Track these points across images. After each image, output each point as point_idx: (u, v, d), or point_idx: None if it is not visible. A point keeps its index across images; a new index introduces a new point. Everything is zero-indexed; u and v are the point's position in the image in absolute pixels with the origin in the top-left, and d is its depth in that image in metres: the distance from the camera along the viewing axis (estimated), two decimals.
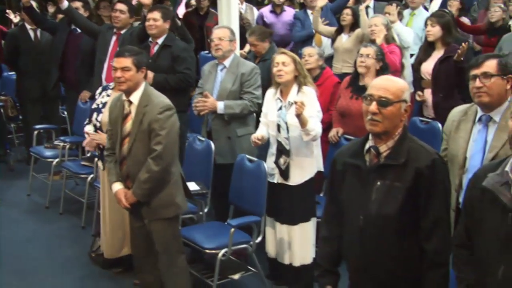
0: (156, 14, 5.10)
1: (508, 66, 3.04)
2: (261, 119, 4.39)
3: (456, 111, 3.26)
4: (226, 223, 4.24)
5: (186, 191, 3.93)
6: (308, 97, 4.08)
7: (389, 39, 5.52)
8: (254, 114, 4.85)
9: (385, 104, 2.47)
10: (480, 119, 3.11)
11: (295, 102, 3.88)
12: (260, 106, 4.63)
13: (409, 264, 2.51)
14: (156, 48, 5.17)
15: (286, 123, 4.11)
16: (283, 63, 4.12)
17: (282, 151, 4.13)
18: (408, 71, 5.80)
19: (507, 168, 2.22)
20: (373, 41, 5.33)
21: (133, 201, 3.73)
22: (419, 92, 5.22)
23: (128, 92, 3.71)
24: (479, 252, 2.30)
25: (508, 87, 3.02)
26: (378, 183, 2.50)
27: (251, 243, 4.15)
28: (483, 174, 2.31)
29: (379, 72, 4.54)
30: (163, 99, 3.73)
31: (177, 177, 3.80)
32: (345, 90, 4.81)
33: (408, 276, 2.53)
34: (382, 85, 2.52)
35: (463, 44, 4.71)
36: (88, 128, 4.51)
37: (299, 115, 3.88)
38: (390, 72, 4.57)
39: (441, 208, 2.49)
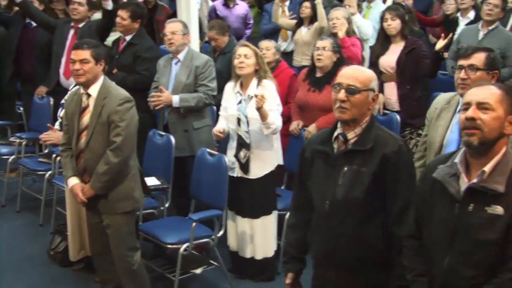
0: (124, 14, 5.04)
1: (495, 61, 3.05)
2: (220, 112, 4.40)
3: (441, 98, 3.29)
4: (187, 217, 4.23)
5: (144, 187, 3.91)
6: (268, 91, 4.11)
7: (349, 32, 5.56)
8: (213, 106, 4.86)
9: (353, 92, 2.53)
10: (460, 110, 3.15)
11: (256, 96, 3.90)
12: (215, 98, 4.66)
13: (374, 249, 2.57)
14: (124, 44, 5.13)
15: (246, 116, 4.13)
16: (245, 55, 4.13)
17: (242, 144, 4.16)
18: (368, 64, 5.87)
19: (456, 160, 2.27)
20: (334, 35, 5.37)
21: (91, 195, 3.68)
22: None
23: (87, 85, 3.67)
24: (427, 243, 2.35)
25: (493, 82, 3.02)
26: (345, 168, 2.56)
27: (213, 237, 4.15)
28: (434, 165, 2.37)
29: (336, 64, 4.58)
30: (121, 91, 3.71)
31: (135, 170, 3.78)
32: (303, 83, 4.83)
33: (374, 261, 2.59)
34: (350, 74, 2.59)
35: (443, 35, 4.76)
36: (56, 124, 4.46)
37: (259, 109, 3.90)
38: (345, 64, 4.61)
39: (408, 192, 2.55)
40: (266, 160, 4.23)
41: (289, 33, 6.77)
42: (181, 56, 4.76)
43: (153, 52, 5.14)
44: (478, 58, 3.01)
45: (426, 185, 2.38)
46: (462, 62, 3.04)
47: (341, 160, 2.58)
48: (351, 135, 2.60)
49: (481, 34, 5.28)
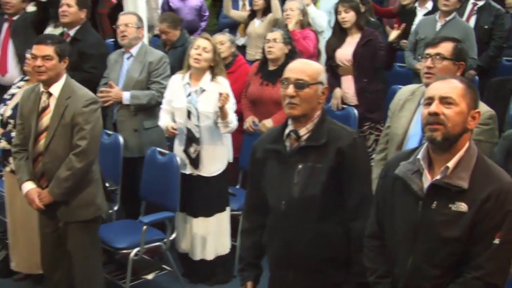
0: (71, 0, 4.91)
1: (463, 52, 3.09)
2: (163, 106, 4.33)
3: (405, 90, 3.31)
4: (137, 220, 4.18)
5: (106, 193, 3.85)
6: (224, 88, 4.10)
7: (304, 24, 5.58)
8: None
9: (302, 86, 2.54)
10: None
11: (220, 94, 3.89)
12: None
13: (335, 246, 2.60)
14: (67, 40, 4.99)
15: (197, 110, 4.10)
16: (204, 48, 4.11)
17: (192, 139, 4.14)
18: (323, 57, 5.89)
19: (419, 156, 2.29)
20: (286, 26, 5.39)
21: (49, 201, 3.57)
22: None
23: (48, 83, 3.57)
24: (389, 242, 2.37)
25: (458, 74, 3.05)
26: (300, 166, 2.57)
27: (165, 240, 4.12)
28: (396, 162, 2.38)
29: (288, 56, 4.58)
30: (87, 92, 3.63)
31: (98, 175, 3.70)
32: (255, 77, 4.82)
33: (335, 260, 2.61)
34: (298, 68, 2.60)
35: (403, 25, 4.80)
36: None
37: (222, 107, 3.89)
38: (299, 56, 4.63)
39: (365, 187, 2.59)
40: (217, 157, 4.23)
41: None
42: (134, 50, 4.68)
43: (99, 48, 5.02)
44: (446, 48, 3.04)
45: (387, 182, 2.39)
46: (429, 50, 3.07)
47: (295, 158, 2.59)
48: (303, 131, 2.61)
49: (438, 25, 5.37)
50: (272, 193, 2.66)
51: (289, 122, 2.66)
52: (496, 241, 2.13)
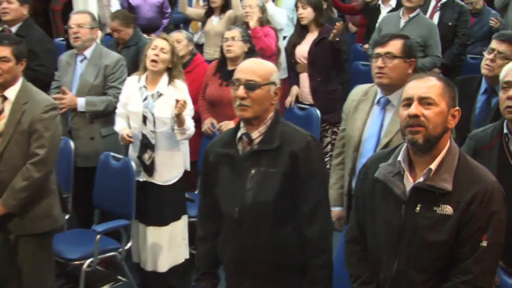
0: None
1: (412, 48, 3.13)
2: (118, 110, 4.26)
3: (358, 90, 3.33)
4: (90, 229, 4.12)
5: (63, 204, 3.76)
6: (182, 93, 4.06)
7: (263, 21, 5.59)
8: None
9: (253, 87, 2.52)
10: (378, 101, 3.19)
11: (177, 101, 3.84)
12: None
13: (290, 252, 2.59)
14: None
15: (153, 115, 4.05)
16: (161, 49, 4.05)
17: (147, 145, 4.08)
18: (283, 56, 5.91)
19: (399, 158, 2.29)
20: (247, 24, 5.38)
21: (2, 213, 3.44)
22: None
23: (4, 86, 3.47)
24: (372, 247, 2.37)
25: (410, 71, 3.09)
26: (253, 171, 2.56)
27: (120, 250, 4.07)
28: (374, 164, 2.39)
29: (248, 55, 4.58)
30: (46, 97, 3.55)
31: (55, 186, 3.62)
32: (213, 77, 4.81)
33: (291, 267, 2.60)
34: (248, 68, 2.58)
35: (337, 23, 4.87)
36: None
37: (179, 115, 3.86)
38: (266, 56, 4.64)
39: (320, 191, 2.58)
40: (173, 164, 4.17)
41: (200, 24, 6.69)
42: (87, 53, 4.57)
43: (44, 44, 4.90)
44: (395, 46, 3.08)
45: (366, 185, 2.40)
46: (378, 50, 3.10)
47: (248, 163, 2.57)
48: (256, 134, 2.59)
49: (402, 22, 5.44)
50: (225, 199, 2.64)
51: (241, 124, 2.64)
52: (483, 243, 2.16)
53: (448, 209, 2.18)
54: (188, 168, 4.43)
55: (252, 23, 5.43)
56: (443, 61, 5.74)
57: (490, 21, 6.54)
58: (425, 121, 2.19)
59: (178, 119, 3.91)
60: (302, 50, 5.21)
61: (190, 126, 4.03)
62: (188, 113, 4.04)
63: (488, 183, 2.21)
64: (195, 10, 6.49)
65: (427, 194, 2.21)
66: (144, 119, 4.06)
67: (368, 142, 3.16)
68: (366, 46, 5.90)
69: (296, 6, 5.23)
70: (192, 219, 4.33)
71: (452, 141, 2.30)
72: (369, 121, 3.18)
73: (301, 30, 5.27)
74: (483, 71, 3.64)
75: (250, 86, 2.52)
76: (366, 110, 3.19)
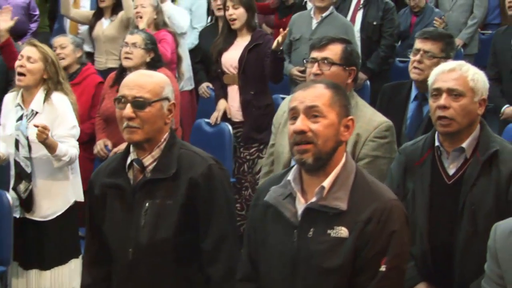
0: None
1: (353, 55, 3.14)
2: None
3: (289, 100, 3.30)
4: None
5: None
6: (58, 110, 3.98)
7: (159, 24, 5.53)
8: None
9: (142, 105, 2.50)
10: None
11: (36, 126, 3.74)
12: None
13: None
14: None
15: (27, 138, 3.94)
16: (28, 58, 3.96)
17: (21, 174, 3.97)
18: (185, 64, 5.87)
19: (289, 177, 2.29)
20: (137, 27, 5.31)
21: None
22: None
23: None
24: (265, 283, 2.35)
25: (349, 81, 3.11)
26: (147, 204, 2.52)
27: None
28: (266, 187, 2.38)
29: (150, 66, 4.54)
30: None
31: None
32: (110, 90, 4.76)
33: None
34: (135, 83, 2.55)
35: (281, 30, 4.82)
36: None
37: (43, 141, 3.77)
38: (165, 65, 4.60)
39: (224, 223, 2.56)
40: (57, 196, 4.08)
41: (82, 27, 6.58)
42: None
43: None
44: (334, 51, 3.10)
45: (257, 212, 2.39)
46: (315, 54, 3.11)
47: (141, 194, 2.53)
48: (148, 160, 2.56)
49: (314, 22, 5.52)
50: (115, 239, 2.59)
51: (131, 148, 2.59)
52: (382, 268, 2.17)
53: (343, 231, 2.19)
54: (81, 198, 4.33)
55: (142, 24, 5.31)
56: (370, 65, 5.87)
57: (434, 21, 6.71)
58: (313, 136, 2.20)
59: (45, 146, 3.82)
60: (231, 58, 5.08)
61: (66, 150, 3.93)
62: (66, 134, 3.97)
63: (386, 201, 2.23)
64: (82, 12, 6.37)
65: (320, 215, 2.22)
66: (17, 143, 3.94)
67: None
68: None
69: (225, 5, 5.09)
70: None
71: (348, 155, 2.32)
72: None
73: (228, 33, 5.14)
74: (412, 75, 3.72)
75: (139, 104, 2.49)
76: None
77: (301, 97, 2.26)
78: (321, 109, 2.22)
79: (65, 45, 4.95)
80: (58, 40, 5.01)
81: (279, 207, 2.28)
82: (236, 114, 5.15)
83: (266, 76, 5.04)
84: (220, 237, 2.53)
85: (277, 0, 7.16)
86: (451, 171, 2.77)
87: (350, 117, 2.29)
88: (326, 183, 2.23)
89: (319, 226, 2.21)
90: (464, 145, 2.74)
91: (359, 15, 6.11)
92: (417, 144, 2.91)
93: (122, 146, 4.48)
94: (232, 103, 5.16)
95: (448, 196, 2.75)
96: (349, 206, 2.20)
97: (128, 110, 2.48)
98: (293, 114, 2.25)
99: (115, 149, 4.59)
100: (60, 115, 3.94)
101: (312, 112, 2.21)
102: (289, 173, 2.33)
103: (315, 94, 2.25)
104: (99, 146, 4.74)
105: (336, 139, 2.24)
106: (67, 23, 6.73)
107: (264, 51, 4.98)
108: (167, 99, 2.56)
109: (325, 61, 3.07)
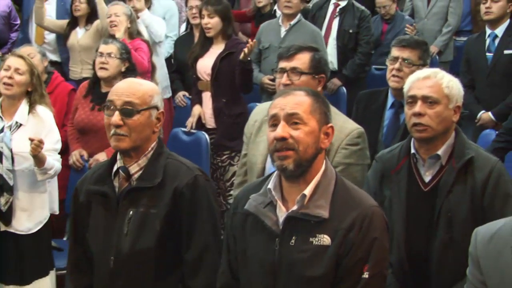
0: None
1: (321, 62, 3.14)
2: None
3: (260, 109, 3.32)
4: None
5: None
6: (45, 124, 3.98)
7: (133, 33, 5.52)
8: None
9: (131, 113, 2.50)
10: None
11: (31, 140, 3.74)
12: None
13: None
14: None
15: (10, 150, 3.91)
16: (16, 69, 3.93)
17: (2, 187, 3.91)
18: (163, 72, 5.86)
19: (269, 186, 2.30)
20: (113, 36, 5.29)
21: None
22: None
23: None
24: None
25: (319, 88, 3.11)
26: (131, 212, 2.51)
27: None
28: (246, 195, 2.38)
29: (125, 75, 4.48)
30: None
31: None
32: (84, 100, 4.72)
33: None
34: (124, 90, 2.54)
35: (249, 41, 4.84)
36: None
37: (36, 155, 3.77)
38: (138, 74, 4.58)
39: (207, 235, 2.56)
40: (36, 209, 4.04)
41: (49, 37, 6.53)
42: None
43: None
44: (302, 60, 3.10)
45: (236, 220, 2.39)
46: (283, 64, 3.11)
47: (125, 202, 2.53)
48: (135, 169, 2.56)
49: (283, 30, 5.55)
50: (98, 247, 2.58)
51: (118, 156, 2.59)
52: (365, 275, 2.19)
53: (325, 239, 2.20)
54: (57, 211, 4.33)
55: (119, 34, 5.30)
56: (345, 73, 5.90)
57: (406, 29, 6.78)
58: (294, 143, 2.21)
59: (36, 160, 3.82)
60: (205, 65, 5.12)
61: (53, 164, 3.94)
62: (52, 148, 3.97)
63: (367, 207, 2.25)
64: (56, 22, 6.33)
65: (302, 223, 2.23)
66: (0, 155, 3.91)
67: (273, 169, 3.14)
68: None
69: (201, 14, 5.15)
70: (59, 272, 4.19)
71: (328, 162, 2.33)
72: None
73: (204, 40, 5.19)
74: (391, 83, 3.74)
75: (127, 111, 2.48)
76: None
77: (282, 104, 2.26)
78: (302, 116, 2.23)
79: (33, 55, 4.89)
80: (25, 50, 4.93)
81: (260, 216, 2.28)
82: (209, 120, 5.19)
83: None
84: (203, 249, 2.53)
85: (254, 9, 7.17)
86: (427, 178, 2.79)
87: (330, 125, 2.31)
88: (307, 191, 2.24)
89: (301, 234, 2.22)
90: (439, 152, 2.75)
91: (335, 23, 6.16)
92: (393, 151, 2.92)
93: (99, 156, 4.50)
94: (206, 109, 5.21)
95: (424, 203, 2.77)
96: (330, 213, 2.21)
97: (116, 117, 2.48)
98: (274, 121, 2.25)
99: (91, 160, 4.56)
100: (47, 129, 3.94)
101: (292, 119, 2.23)
102: (268, 181, 2.34)
103: (295, 101, 2.26)
104: (75, 156, 4.70)
105: (317, 146, 2.25)
106: (33, 32, 6.71)
107: (236, 60, 5.01)
108: (156, 107, 2.56)
109: (294, 71, 3.08)
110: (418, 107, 2.73)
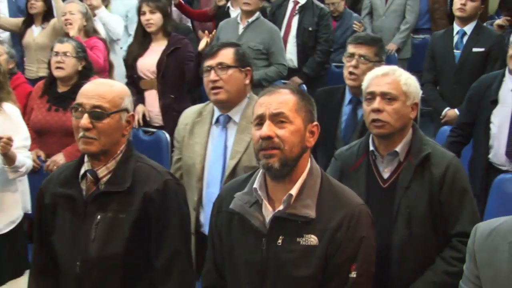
0: None
1: (246, 56, 3.22)
2: None
3: (189, 113, 3.36)
4: None
5: None
6: (13, 121, 3.94)
7: (89, 31, 5.47)
8: None
9: (100, 116, 2.45)
10: (217, 120, 3.23)
11: (0, 138, 3.69)
12: None
13: None
14: None
15: None
16: None
17: None
18: (121, 71, 5.80)
19: (255, 185, 2.30)
20: (67, 34, 5.23)
21: None
22: None
23: None
24: None
25: (247, 81, 3.19)
26: (99, 217, 2.47)
27: None
28: (229, 194, 2.37)
29: (82, 75, 4.48)
30: None
31: None
32: (40, 100, 4.65)
33: None
34: (94, 92, 2.49)
35: (207, 32, 4.82)
36: None
37: (5, 154, 3.73)
38: (95, 73, 4.53)
39: (177, 240, 2.52)
40: (9, 208, 3.98)
41: (3, 35, 6.42)
42: None
43: None
44: (226, 55, 3.17)
45: (221, 219, 2.39)
46: (209, 62, 3.17)
47: (93, 206, 2.49)
48: (103, 172, 2.52)
49: (241, 28, 5.56)
50: (63, 251, 2.53)
51: (86, 158, 2.54)
52: (353, 274, 2.21)
53: (313, 239, 2.21)
54: (30, 210, 4.27)
55: (73, 32, 5.26)
56: (305, 71, 5.91)
57: (354, 25, 6.90)
58: (280, 142, 2.21)
59: (6, 158, 3.78)
60: (147, 63, 5.12)
61: (24, 161, 3.90)
62: (22, 145, 3.93)
63: (354, 206, 2.27)
64: (10, 20, 6.25)
65: (288, 223, 2.23)
66: None
67: (213, 168, 3.18)
68: None
69: (141, 10, 5.11)
70: None
71: (313, 161, 2.34)
72: (210, 144, 3.22)
73: (143, 39, 5.18)
74: (349, 82, 3.76)
75: (97, 114, 2.44)
76: (204, 132, 3.23)
77: (267, 102, 2.27)
78: (287, 115, 2.24)
79: (0, 54, 4.84)
80: None
81: (246, 216, 2.28)
82: (155, 118, 5.19)
83: (184, 81, 5.10)
84: (173, 255, 2.49)
85: (215, 8, 7.17)
86: (386, 175, 2.80)
87: (315, 123, 2.32)
88: (294, 190, 2.25)
89: (288, 234, 2.23)
90: (397, 149, 2.77)
91: (295, 21, 6.20)
92: (352, 149, 2.93)
93: (56, 157, 4.43)
94: (150, 107, 5.20)
95: (383, 200, 2.78)
96: (317, 213, 2.22)
97: (85, 120, 2.42)
98: (259, 120, 2.25)
99: (49, 161, 4.48)
100: (15, 126, 3.90)
101: (278, 118, 2.23)
102: (252, 180, 2.34)
103: (280, 100, 2.26)
104: (32, 157, 4.61)
105: (302, 145, 2.27)
106: None
107: (183, 55, 5.07)
108: (126, 110, 2.52)
109: (220, 66, 3.13)
110: (377, 103, 2.74)
